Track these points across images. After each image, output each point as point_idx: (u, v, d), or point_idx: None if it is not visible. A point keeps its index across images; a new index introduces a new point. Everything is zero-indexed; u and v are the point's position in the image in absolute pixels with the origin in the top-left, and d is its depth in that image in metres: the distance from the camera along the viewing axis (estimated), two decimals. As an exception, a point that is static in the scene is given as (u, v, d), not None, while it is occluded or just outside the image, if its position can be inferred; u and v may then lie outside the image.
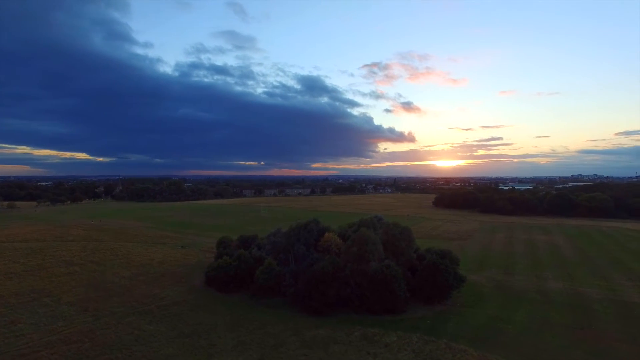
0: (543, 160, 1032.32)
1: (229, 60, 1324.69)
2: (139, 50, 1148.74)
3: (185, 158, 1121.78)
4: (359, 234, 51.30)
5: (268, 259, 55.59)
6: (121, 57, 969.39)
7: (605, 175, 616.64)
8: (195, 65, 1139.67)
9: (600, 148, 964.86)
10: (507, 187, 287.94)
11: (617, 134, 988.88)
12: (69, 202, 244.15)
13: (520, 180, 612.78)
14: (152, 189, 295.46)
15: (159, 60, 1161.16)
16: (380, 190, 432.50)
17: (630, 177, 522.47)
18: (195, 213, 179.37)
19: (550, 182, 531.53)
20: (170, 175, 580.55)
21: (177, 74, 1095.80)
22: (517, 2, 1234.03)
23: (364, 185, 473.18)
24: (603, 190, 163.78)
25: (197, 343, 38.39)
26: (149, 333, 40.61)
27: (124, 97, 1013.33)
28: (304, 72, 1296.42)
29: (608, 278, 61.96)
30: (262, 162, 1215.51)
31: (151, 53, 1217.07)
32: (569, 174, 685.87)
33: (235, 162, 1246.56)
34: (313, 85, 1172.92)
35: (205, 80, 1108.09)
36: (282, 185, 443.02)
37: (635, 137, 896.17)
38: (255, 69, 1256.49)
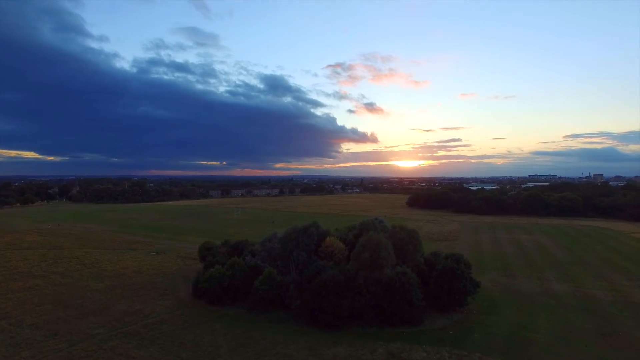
0: (499, 161, 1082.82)
1: (190, 57, 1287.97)
2: (94, 44, 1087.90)
3: (144, 157, 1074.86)
4: (370, 238, 47.23)
5: (268, 267, 50.29)
6: (73, 51, 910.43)
7: (558, 175, 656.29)
8: (154, 62, 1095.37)
9: (551, 150, 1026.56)
10: (475, 187, 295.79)
11: (565, 136, 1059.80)
12: (18, 204, 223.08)
13: (482, 180, 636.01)
14: (113, 189, 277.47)
15: (115, 55, 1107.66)
16: (349, 191, 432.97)
17: (580, 177, 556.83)
18: (162, 215, 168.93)
19: (510, 182, 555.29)
20: (129, 176, 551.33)
21: (135, 70, 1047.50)
22: (478, 8, 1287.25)
23: (331, 185, 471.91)
24: (571, 190, 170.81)
25: (201, 371, 32.75)
26: (140, 361, 34.40)
27: (77, 93, 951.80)
28: (268, 72, 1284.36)
29: (607, 278, 61.90)
30: (224, 162, 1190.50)
31: (107, 47, 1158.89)
32: (523, 174, 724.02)
33: (197, 161, 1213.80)
34: (276, 84, 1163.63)
35: (166, 77, 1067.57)
36: (248, 185, 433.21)
37: (581, 139, 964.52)
38: (218, 67, 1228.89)
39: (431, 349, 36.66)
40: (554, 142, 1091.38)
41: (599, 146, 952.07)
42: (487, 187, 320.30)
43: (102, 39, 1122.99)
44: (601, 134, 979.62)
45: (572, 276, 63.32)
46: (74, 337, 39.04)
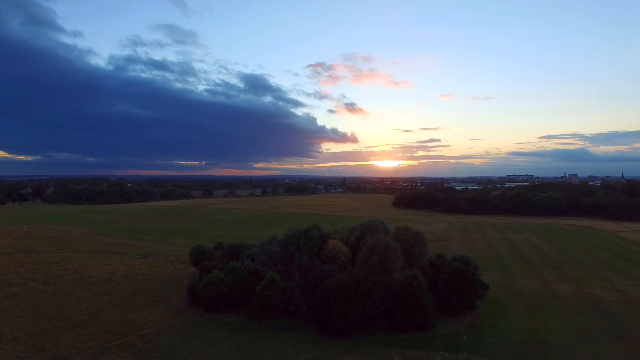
0: (477, 161, 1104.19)
1: (169, 55, 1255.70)
2: (67, 40, 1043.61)
3: (121, 157, 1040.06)
4: (377, 241, 45.45)
5: (270, 272, 47.83)
6: (45, 46, 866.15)
7: (535, 175, 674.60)
8: (131, 59, 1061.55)
9: (526, 150, 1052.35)
10: (459, 187, 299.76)
11: (540, 137, 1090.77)
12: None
13: (463, 180, 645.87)
14: (90, 190, 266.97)
15: (90, 51, 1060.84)
16: (332, 191, 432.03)
17: (556, 177, 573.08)
18: (145, 216, 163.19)
19: (490, 181, 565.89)
20: (105, 176, 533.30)
21: (111, 67, 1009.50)
22: (457, 10, 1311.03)
23: (314, 185, 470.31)
24: (554, 190, 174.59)
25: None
26: (140, 377, 31.53)
27: (49, 90, 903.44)
28: (248, 71, 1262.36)
29: (605, 278, 62.30)
30: (203, 162, 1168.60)
31: (81, 43, 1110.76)
32: (501, 174, 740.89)
33: (175, 161, 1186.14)
34: (256, 84, 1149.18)
35: (143, 75, 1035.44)
36: (230, 185, 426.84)
37: (555, 140, 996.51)
38: (197, 65, 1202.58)
39: (448, 355, 35.28)
40: (529, 142, 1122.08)
41: (571, 147, 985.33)
42: (470, 187, 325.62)
43: (75, 34, 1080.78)
44: (574, 135, 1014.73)
45: (571, 276, 63.43)
46: (63, 352, 35.68)
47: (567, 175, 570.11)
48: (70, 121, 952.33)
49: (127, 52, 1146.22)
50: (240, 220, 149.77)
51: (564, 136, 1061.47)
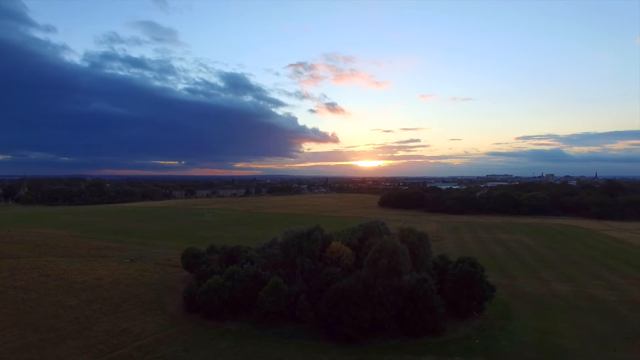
0: (456, 161, 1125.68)
1: (147, 53, 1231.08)
2: (39, 34, 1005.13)
3: (98, 157, 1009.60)
4: (386, 243, 44.09)
5: (274, 277, 45.77)
6: (14, 40, 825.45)
7: (514, 175, 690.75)
8: (108, 56, 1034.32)
9: (504, 150, 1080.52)
10: (444, 187, 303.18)
11: (517, 138, 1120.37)
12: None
13: (444, 180, 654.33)
14: (67, 190, 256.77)
15: (64, 47, 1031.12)
16: (315, 191, 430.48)
17: (534, 177, 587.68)
18: (127, 218, 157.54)
19: (470, 181, 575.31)
20: (81, 175, 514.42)
21: (87, 64, 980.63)
22: (438, 12, 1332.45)
23: (297, 185, 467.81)
24: (538, 190, 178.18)
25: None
26: (143, 395, 29.08)
27: (20, 87, 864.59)
28: (228, 69, 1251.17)
29: (601, 277, 62.93)
30: (183, 162, 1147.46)
31: (54, 39, 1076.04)
32: (480, 174, 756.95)
33: (154, 161, 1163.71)
34: (237, 83, 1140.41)
35: (120, 73, 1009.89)
36: (212, 185, 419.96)
37: (532, 141, 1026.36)
38: (176, 63, 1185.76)
39: (466, 362, 34.13)
40: (507, 143, 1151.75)
41: (547, 147, 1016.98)
42: (454, 187, 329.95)
43: (48, 29, 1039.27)
44: (549, 136, 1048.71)
45: (569, 276, 63.81)
46: (54, 368, 32.79)
47: (544, 175, 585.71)
48: (43, 119, 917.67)
49: (103, 48, 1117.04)
50: (226, 221, 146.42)
51: (540, 137, 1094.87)
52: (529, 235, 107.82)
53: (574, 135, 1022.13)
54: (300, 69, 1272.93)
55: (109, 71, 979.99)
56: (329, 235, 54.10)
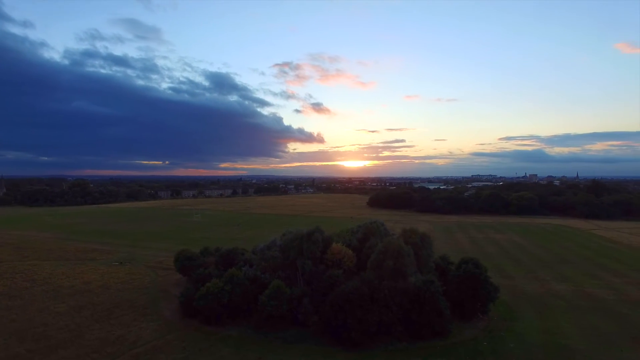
0: (441, 162, 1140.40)
1: (130, 51, 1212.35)
2: (15, 30, 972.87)
3: (79, 156, 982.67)
4: (390, 244, 43.25)
5: (275, 280, 44.35)
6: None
7: (498, 175, 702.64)
8: (89, 54, 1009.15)
9: (487, 151, 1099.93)
10: (432, 187, 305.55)
11: (500, 138, 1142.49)
12: None
13: (430, 180, 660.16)
14: (49, 191, 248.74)
15: (43, 44, 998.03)
16: (302, 191, 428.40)
17: (517, 177, 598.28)
18: (113, 219, 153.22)
19: (456, 181, 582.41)
20: (61, 176, 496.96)
21: (67, 61, 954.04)
22: (424, 13, 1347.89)
23: (283, 185, 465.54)
24: (525, 190, 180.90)
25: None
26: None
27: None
28: (213, 69, 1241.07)
29: (597, 276, 63.47)
30: (167, 162, 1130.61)
31: (32, 35, 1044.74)
32: (464, 174, 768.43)
33: (137, 161, 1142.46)
34: (222, 82, 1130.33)
35: (102, 71, 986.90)
36: (198, 186, 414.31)
37: (514, 142, 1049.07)
38: (160, 62, 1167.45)
39: (476, 364, 33.46)
40: (490, 143, 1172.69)
41: (529, 148, 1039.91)
42: (442, 187, 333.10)
43: (26, 24, 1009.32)
44: (531, 137, 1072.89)
45: (565, 275, 64.20)
46: (46, 380, 30.75)
47: (527, 175, 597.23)
48: (21, 117, 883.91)
49: (84, 46, 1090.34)
50: (215, 222, 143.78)
51: (522, 137, 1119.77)
52: (520, 234, 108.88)
53: (555, 136, 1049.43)
54: (286, 68, 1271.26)
55: (91, 69, 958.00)
56: (329, 237, 52.93)
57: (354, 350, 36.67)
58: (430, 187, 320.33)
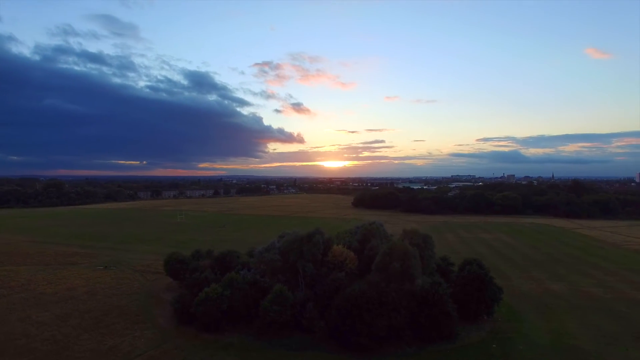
0: (420, 162, 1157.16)
1: (106, 48, 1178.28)
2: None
3: (51, 156, 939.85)
4: (396, 246, 42.18)
5: (277, 284, 42.57)
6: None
7: (477, 175, 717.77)
8: (62, 50, 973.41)
9: (465, 152, 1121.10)
10: (416, 187, 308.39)
11: (477, 140, 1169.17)
12: None
13: (410, 180, 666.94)
14: (21, 191, 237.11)
15: (10, 38, 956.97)
16: (285, 191, 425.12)
17: (496, 177, 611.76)
18: (92, 220, 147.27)
19: (436, 182, 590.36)
20: (33, 176, 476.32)
21: (38, 57, 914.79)
22: (404, 14, 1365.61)
23: (265, 185, 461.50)
24: (507, 190, 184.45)
25: None
26: None
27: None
28: (192, 67, 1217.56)
29: (590, 275, 64.39)
30: (144, 162, 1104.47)
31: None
32: (444, 175, 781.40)
33: (114, 161, 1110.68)
34: (201, 81, 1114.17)
35: (76, 68, 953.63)
36: (178, 186, 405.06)
37: (492, 142, 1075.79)
38: (137, 60, 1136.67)
39: (489, 369, 32.71)
40: (468, 144, 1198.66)
41: (505, 149, 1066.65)
42: (425, 188, 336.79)
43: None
44: (507, 138, 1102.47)
45: (558, 274, 64.90)
46: (34, 398, 28.11)
47: (505, 175, 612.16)
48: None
49: (56, 41, 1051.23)
50: (199, 224, 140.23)
51: (499, 139, 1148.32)
52: (508, 234, 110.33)
53: (530, 137, 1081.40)
54: (266, 68, 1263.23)
55: (64, 66, 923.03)
56: (329, 239, 51.50)
57: (363, 356, 35.39)
58: (413, 187, 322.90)
